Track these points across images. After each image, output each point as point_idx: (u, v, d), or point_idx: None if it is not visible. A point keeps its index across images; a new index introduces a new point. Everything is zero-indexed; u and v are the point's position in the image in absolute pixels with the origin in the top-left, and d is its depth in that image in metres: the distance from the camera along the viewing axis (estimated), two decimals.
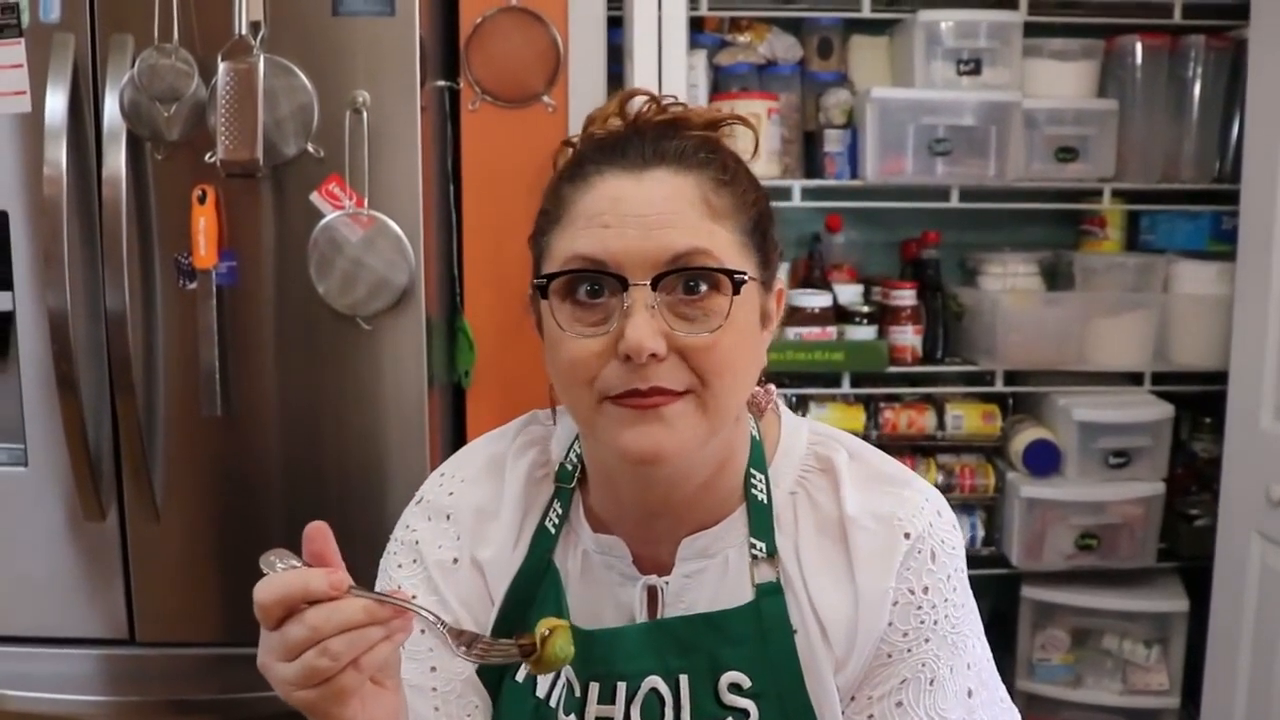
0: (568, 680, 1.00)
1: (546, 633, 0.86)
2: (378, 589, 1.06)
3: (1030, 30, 2.33)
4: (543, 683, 1.01)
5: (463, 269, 2.04)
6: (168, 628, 1.90)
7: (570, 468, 1.04)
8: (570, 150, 0.99)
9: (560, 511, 1.03)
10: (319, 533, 0.82)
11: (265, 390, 1.84)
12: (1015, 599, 2.46)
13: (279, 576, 0.79)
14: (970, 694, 0.98)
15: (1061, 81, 2.37)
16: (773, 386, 1.07)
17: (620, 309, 0.88)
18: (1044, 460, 2.36)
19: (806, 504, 1.00)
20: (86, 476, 1.81)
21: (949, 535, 0.99)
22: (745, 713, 0.96)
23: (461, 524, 1.04)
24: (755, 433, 1.02)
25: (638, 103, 0.98)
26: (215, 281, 1.79)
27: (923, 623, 0.96)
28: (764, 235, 0.96)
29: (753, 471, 1.00)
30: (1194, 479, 2.49)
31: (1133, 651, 2.43)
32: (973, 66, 2.31)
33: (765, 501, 0.99)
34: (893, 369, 2.37)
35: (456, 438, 2.11)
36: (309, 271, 1.78)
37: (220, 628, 1.89)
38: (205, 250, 1.77)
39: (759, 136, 1.01)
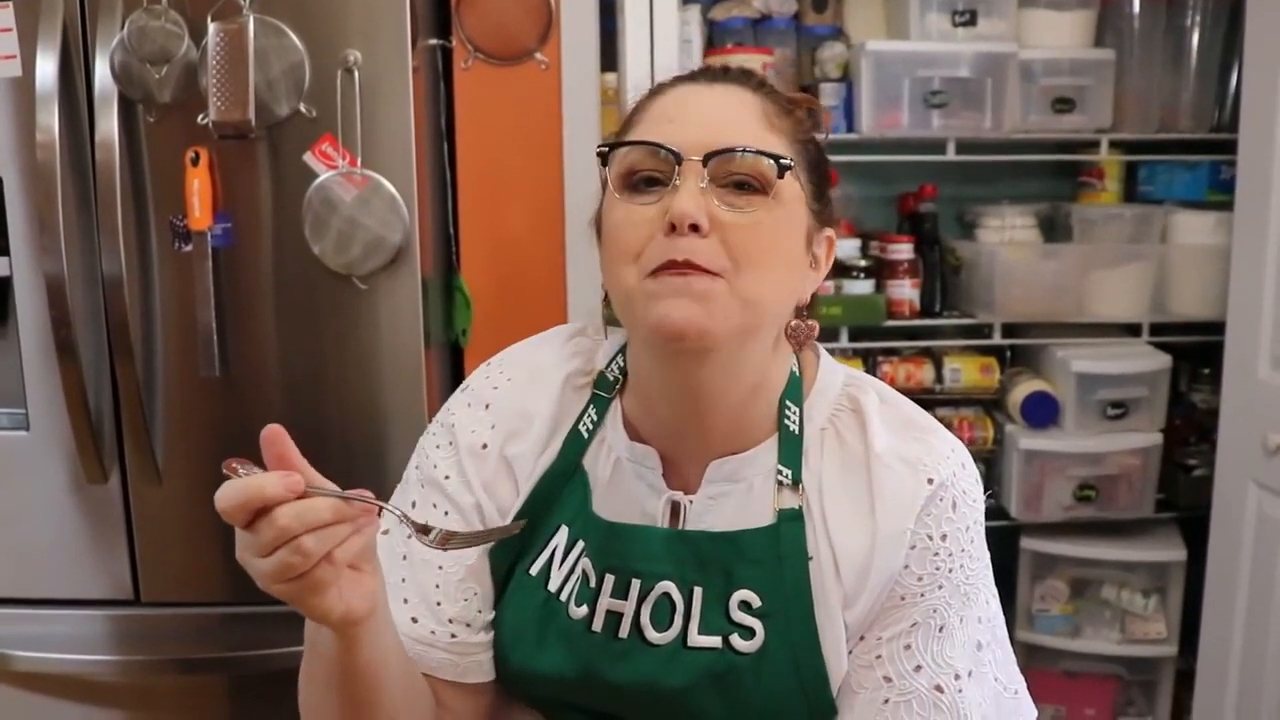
0: (584, 571, 1.02)
1: None
2: (414, 464, 1.10)
3: None
4: (555, 576, 1.04)
5: (458, 227, 2.04)
6: (172, 588, 1.91)
7: (611, 378, 1.07)
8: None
9: (595, 418, 1.06)
10: (277, 435, 0.83)
11: (263, 350, 1.85)
12: (1014, 550, 2.47)
13: (236, 483, 0.81)
14: (980, 647, 0.99)
15: (1058, 31, 2.35)
16: (815, 323, 1.09)
17: (672, 188, 0.93)
18: (1042, 412, 2.37)
19: (834, 441, 1.02)
20: (88, 440, 1.82)
21: (971, 488, 1.00)
22: (751, 631, 0.98)
23: (498, 415, 1.07)
24: (795, 368, 1.05)
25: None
26: (211, 243, 1.78)
27: (938, 569, 0.97)
28: (820, 173, 1.01)
29: (788, 403, 1.02)
30: (1192, 429, 2.50)
31: (1131, 601, 2.45)
32: (968, 17, 2.29)
33: (796, 433, 1.02)
34: (890, 323, 2.37)
35: None
36: (304, 231, 1.78)
37: (224, 587, 1.90)
38: (200, 212, 1.77)
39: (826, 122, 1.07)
